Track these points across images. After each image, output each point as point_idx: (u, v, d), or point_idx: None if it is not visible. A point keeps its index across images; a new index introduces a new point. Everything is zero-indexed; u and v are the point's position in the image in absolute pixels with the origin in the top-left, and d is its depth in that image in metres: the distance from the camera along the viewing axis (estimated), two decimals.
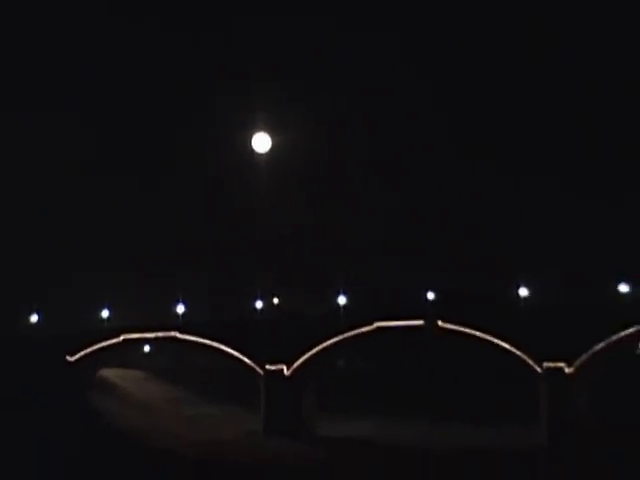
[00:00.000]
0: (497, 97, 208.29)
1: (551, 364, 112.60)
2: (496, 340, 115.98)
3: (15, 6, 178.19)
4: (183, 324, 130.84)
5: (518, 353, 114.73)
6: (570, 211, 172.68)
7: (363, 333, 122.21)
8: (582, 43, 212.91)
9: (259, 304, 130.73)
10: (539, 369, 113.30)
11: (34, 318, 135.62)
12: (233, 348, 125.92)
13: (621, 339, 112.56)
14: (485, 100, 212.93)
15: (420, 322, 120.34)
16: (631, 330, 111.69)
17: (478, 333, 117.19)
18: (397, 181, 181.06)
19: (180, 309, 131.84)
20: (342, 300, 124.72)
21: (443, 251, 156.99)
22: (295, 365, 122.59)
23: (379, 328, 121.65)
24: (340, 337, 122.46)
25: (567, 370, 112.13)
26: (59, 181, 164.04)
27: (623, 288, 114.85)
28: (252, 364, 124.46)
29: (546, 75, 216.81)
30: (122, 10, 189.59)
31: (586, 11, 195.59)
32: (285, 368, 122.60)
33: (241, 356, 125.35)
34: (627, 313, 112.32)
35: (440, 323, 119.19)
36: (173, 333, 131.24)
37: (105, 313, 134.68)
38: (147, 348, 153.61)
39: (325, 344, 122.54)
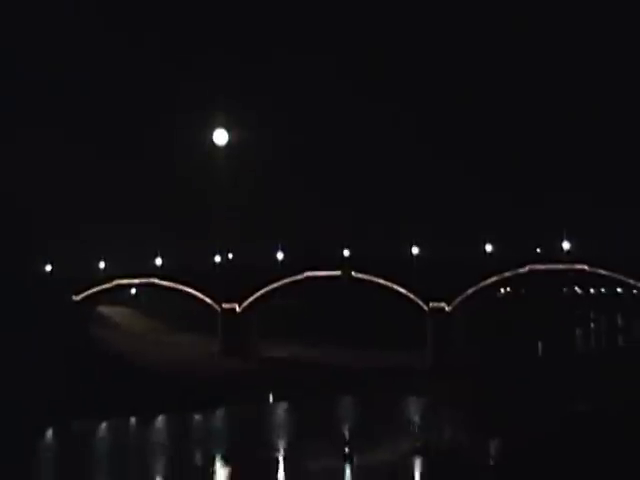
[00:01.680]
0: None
1: (435, 304, 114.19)
2: (395, 286, 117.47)
3: None
4: (161, 273, 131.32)
5: (411, 296, 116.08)
6: (453, 188, 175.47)
7: (296, 280, 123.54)
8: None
9: (217, 258, 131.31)
10: (426, 308, 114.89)
11: (48, 267, 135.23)
12: (198, 291, 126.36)
13: (486, 286, 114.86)
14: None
15: (338, 272, 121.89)
16: (493, 279, 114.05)
17: (382, 281, 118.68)
18: (323, 166, 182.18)
19: (158, 261, 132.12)
20: (280, 256, 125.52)
21: (356, 219, 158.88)
22: (244, 304, 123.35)
23: (308, 277, 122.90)
24: (278, 283, 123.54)
25: (447, 308, 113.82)
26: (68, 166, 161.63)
27: (488, 247, 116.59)
28: (212, 303, 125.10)
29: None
30: (112, 23, 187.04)
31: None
32: (237, 306, 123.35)
33: (204, 297, 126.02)
34: (490, 266, 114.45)
35: (353, 273, 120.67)
36: (153, 279, 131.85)
37: (102, 264, 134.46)
38: (133, 290, 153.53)
39: (267, 288, 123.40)
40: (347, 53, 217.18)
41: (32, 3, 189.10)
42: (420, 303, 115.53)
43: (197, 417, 78.55)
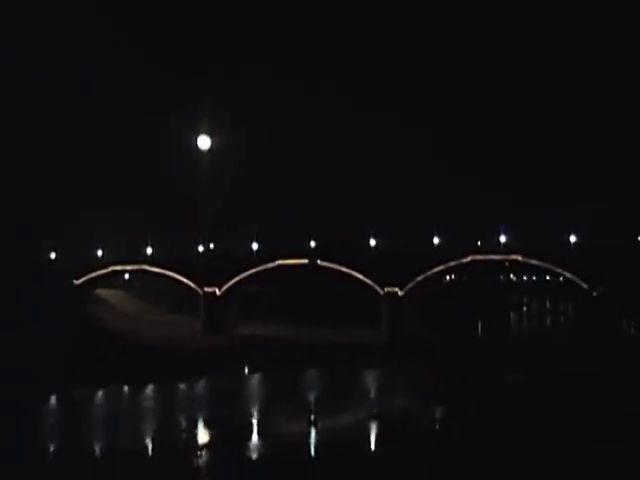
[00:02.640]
0: None
1: (390, 289, 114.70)
2: (355, 273, 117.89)
3: None
4: (150, 260, 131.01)
5: (369, 282, 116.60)
6: (406, 189, 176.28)
7: (268, 268, 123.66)
8: None
9: (200, 248, 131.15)
10: (382, 292, 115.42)
11: (52, 255, 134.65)
12: (183, 276, 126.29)
13: (434, 273, 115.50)
14: None
15: (305, 261, 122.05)
16: (440, 268, 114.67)
17: (344, 268, 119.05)
18: (297, 166, 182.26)
19: (149, 251, 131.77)
20: (255, 246, 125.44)
21: (320, 214, 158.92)
22: (224, 288, 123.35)
23: (279, 265, 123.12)
24: (253, 270, 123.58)
25: (400, 293, 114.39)
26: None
27: (435, 240, 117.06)
28: (195, 287, 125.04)
29: None
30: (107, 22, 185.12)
31: None
32: (217, 290, 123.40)
33: (188, 282, 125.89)
34: (438, 256, 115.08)
35: (319, 262, 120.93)
36: (144, 266, 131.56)
37: (99, 252, 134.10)
38: (127, 276, 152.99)
39: (243, 275, 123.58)
40: (328, 55, 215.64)
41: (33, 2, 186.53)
42: (376, 288, 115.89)
43: (182, 386, 78.58)
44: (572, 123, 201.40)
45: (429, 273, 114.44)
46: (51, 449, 53.13)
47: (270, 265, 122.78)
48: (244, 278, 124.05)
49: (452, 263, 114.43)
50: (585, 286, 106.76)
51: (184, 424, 61.65)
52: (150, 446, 54.59)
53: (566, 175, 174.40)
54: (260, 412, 66.73)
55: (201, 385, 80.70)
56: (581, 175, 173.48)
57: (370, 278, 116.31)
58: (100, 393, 74.23)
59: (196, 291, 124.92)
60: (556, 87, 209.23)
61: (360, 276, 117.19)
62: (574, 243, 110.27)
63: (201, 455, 51.17)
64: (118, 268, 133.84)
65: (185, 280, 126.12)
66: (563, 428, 55.98)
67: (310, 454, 51.53)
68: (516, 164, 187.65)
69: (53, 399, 71.05)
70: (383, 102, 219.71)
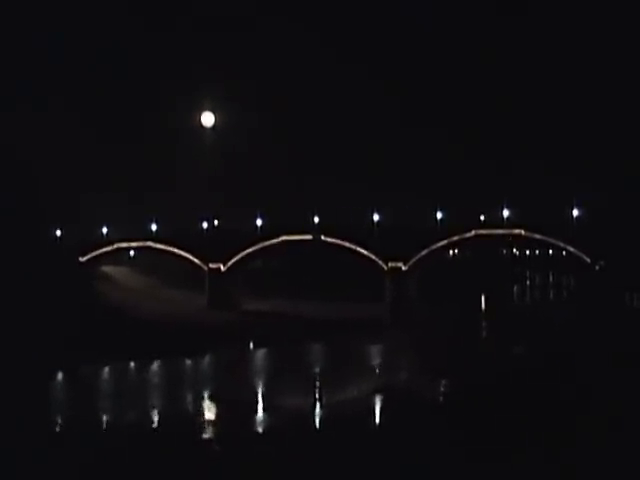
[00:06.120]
0: None
1: (393, 264, 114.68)
2: (359, 248, 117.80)
3: None
4: (156, 237, 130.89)
5: (372, 257, 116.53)
6: (410, 163, 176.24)
7: (273, 244, 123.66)
8: None
9: (205, 224, 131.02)
10: (385, 267, 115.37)
11: (58, 232, 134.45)
12: (188, 253, 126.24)
13: (437, 249, 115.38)
14: None
15: (310, 236, 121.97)
16: (443, 242, 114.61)
17: (347, 244, 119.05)
18: (299, 142, 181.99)
19: (153, 227, 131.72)
20: (259, 222, 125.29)
21: (324, 189, 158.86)
22: (228, 264, 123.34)
23: (284, 240, 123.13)
24: (258, 246, 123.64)
25: (403, 268, 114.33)
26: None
27: (439, 215, 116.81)
28: (200, 264, 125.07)
29: None
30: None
31: None
32: (222, 266, 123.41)
33: (193, 258, 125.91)
34: (441, 232, 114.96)
35: (323, 237, 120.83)
36: (149, 243, 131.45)
37: (104, 229, 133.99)
38: (132, 252, 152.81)
39: (248, 250, 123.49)
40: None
41: None
42: (380, 263, 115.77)
43: (188, 362, 78.74)
44: (576, 96, 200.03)
45: (433, 248, 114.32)
46: (59, 424, 53.24)
47: (274, 241, 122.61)
48: (249, 254, 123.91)
49: (455, 238, 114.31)
50: (588, 260, 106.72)
51: (190, 399, 61.85)
52: (157, 420, 54.76)
53: (570, 148, 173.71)
54: (265, 387, 66.91)
55: (207, 360, 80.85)
56: (585, 148, 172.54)
57: (374, 253, 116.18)
58: (106, 369, 74.37)
59: (201, 267, 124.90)
60: (559, 62, 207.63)
61: (364, 251, 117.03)
62: (577, 217, 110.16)
63: (208, 429, 51.33)
64: (123, 245, 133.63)
65: (190, 256, 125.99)
66: (568, 400, 55.99)
67: (315, 427, 51.68)
68: (518, 138, 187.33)
69: (60, 376, 71.20)
70: (386, 79, 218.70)
